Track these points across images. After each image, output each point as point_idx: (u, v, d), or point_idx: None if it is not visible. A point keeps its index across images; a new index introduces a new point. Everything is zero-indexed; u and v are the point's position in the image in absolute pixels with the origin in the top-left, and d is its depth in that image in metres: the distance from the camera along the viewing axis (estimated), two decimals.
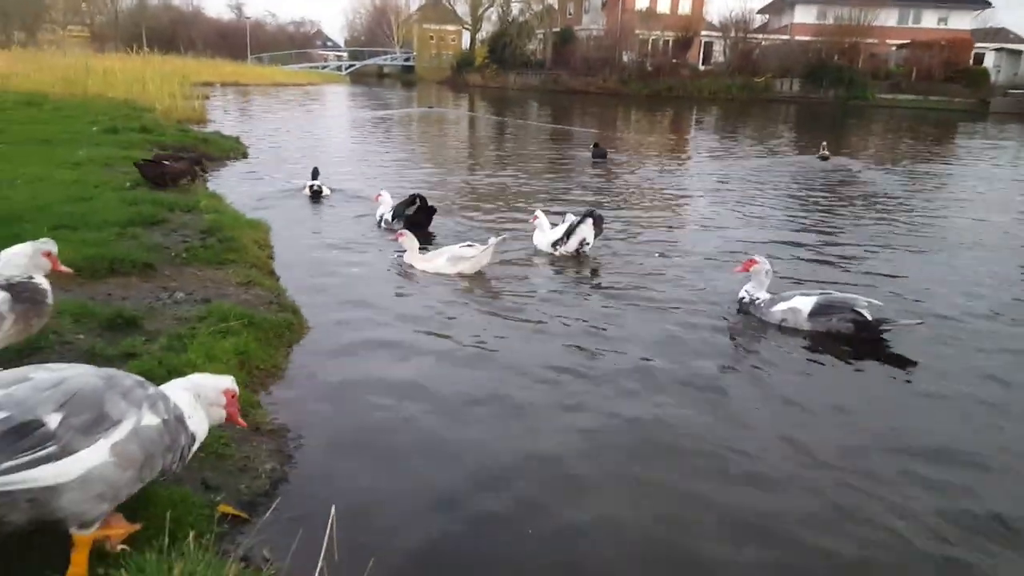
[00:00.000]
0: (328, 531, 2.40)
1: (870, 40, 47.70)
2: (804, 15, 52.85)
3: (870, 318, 4.96)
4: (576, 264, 7.03)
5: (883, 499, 3.27)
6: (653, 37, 52.53)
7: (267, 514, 2.70)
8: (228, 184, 10.32)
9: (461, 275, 6.30)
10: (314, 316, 5.08)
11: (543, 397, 4.14)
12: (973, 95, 44.45)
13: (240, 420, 2.64)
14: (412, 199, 8.09)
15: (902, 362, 4.80)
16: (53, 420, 1.98)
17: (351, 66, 66.82)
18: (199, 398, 2.46)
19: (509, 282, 6.38)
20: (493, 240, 6.33)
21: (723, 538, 2.99)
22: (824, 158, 16.19)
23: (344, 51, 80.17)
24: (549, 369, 4.49)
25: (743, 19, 52.95)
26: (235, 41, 65.90)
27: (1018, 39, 54.31)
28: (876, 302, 5.12)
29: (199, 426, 2.44)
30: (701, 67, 52.37)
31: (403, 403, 3.95)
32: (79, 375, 2.13)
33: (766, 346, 5.03)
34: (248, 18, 75.54)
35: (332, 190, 10.06)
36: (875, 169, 15.75)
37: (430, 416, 3.83)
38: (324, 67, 66.63)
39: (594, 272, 6.86)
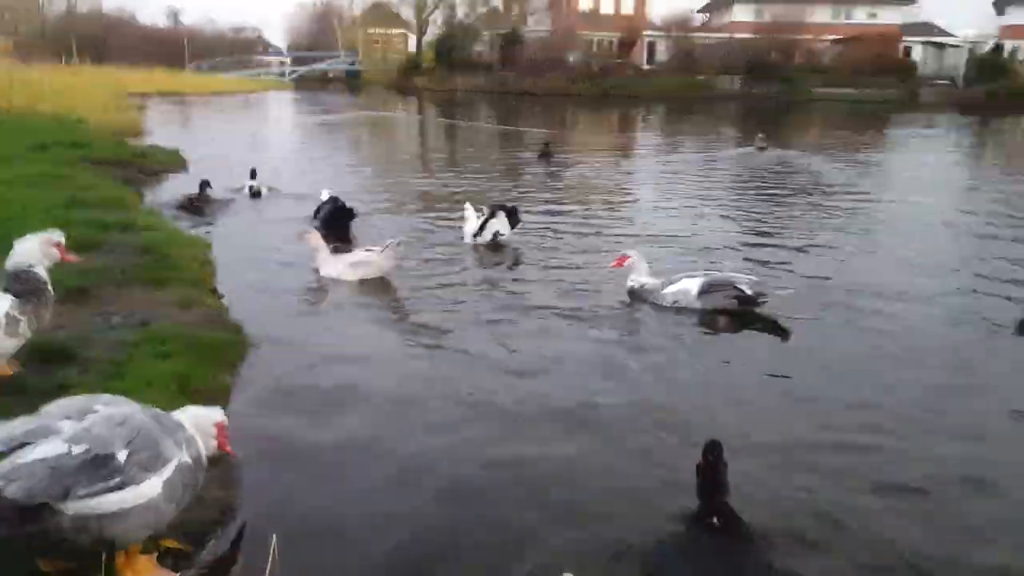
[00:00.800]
0: (270, 560, 2.37)
1: (806, 36, 49.01)
2: (743, 13, 54.01)
3: (750, 292, 5.47)
4: (499, 255, 7.47)
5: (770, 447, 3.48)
6: (598, 38, 53.08)
7: (210, 544, 2.64)
8: (168, 199, 10.07)
9: (364, 280, 6.32)
10: (258, 332, 4.99)
11: (486, 406, 4.14)
12: (903, 87, 46.05)
13: (230, 449, 2.82)
14: (330, 200, 8.37)
15: (777, 328, 5.45)
16: (122, 455, 2.28)
17: (295, 72, 65.82)
18: (198, 431, 2.68)
19: (429, 277, 6.62)
20: (391, 242, 6.32)
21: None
22: (762, 148, 17.17)
23: (287, 56, 78.86)
24: (489, 373, 4.56)
25: (684, 18, 53.84)
26: (172, 49, 64.15)
27: (942, 32, 56.48)
28: (754, 278, 5.70)
29: (204, 449, 2.70)
30: (646, 66, 53.07)
31: (350, 421, 3.90)
32: (136, 413, 2.44)
33: (664, 325, 5.43)
34: (185, 25, 73.86)
35: (270, 189, 10.55)
36: (808, 157, 16.63)
37: (378, 434, 3.79)
38: (267, 73, 65.49)
39: (513, 264, 7.20)
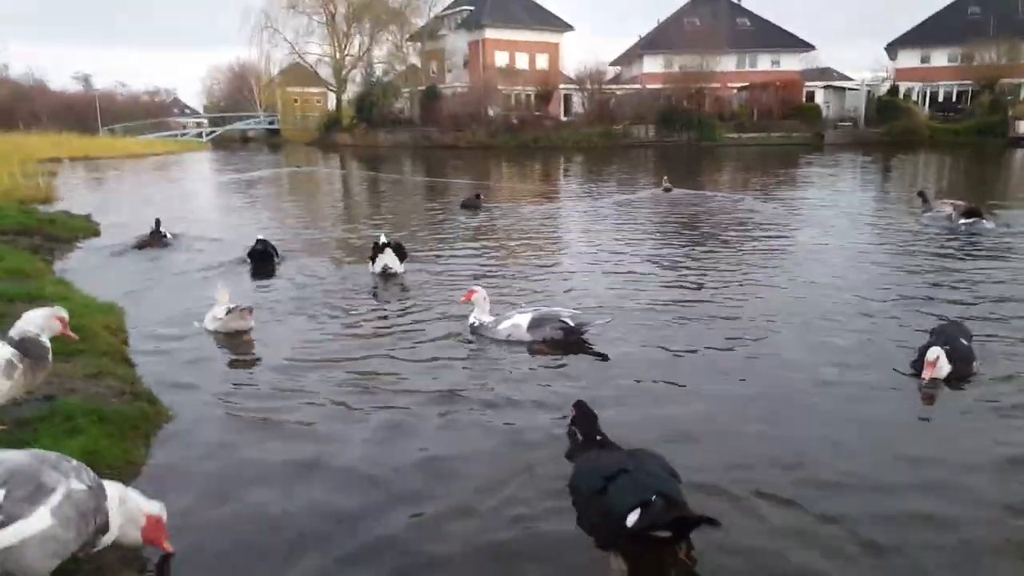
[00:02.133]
0: None
1: (713, 85, 51.36)
2: (652, 65, 56.42)
3: (573, 324, 6.02)
4: (390, 291, 8.20)
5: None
6: (516, 92, 54.36)
7: None
8: (78, 266, 9.68)
9: (231, 332, 6.33)
10: (174, 402, 4.79)
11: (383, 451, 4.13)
12: (809, 130, 48.64)
13: (167, 546, 2.91)
14: (258, 242, 9.42)
15: (599, 354, 5.93)
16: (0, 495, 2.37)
17: (212, 132, 64.91)
18: (123, 502, 2.76)
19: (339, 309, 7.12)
20: (240, 306, 6.37)
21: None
22: (667, 190, 18.25)
23: (204, 117, 77.84)
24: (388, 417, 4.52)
25: (598, 71, 55.77)
26: (84, 113, 62.48)
27: (841, 77, 60.36)
28: (578, 311, 6.27)
29: (114, 518, 2.73)
30: (563, 118, 54.56)
31: (271, 493, 3.74)
32: (11, 456, 2.54)
33: (499, 357, 5.84)
34: (97, 89, 72.08)
35: (174, 235, 11.31)
36: (708, 197, 17.80)
37: (300, 505, 3.63)
38: (183, 135, 64.32)
39: (402, 305, 7.54)
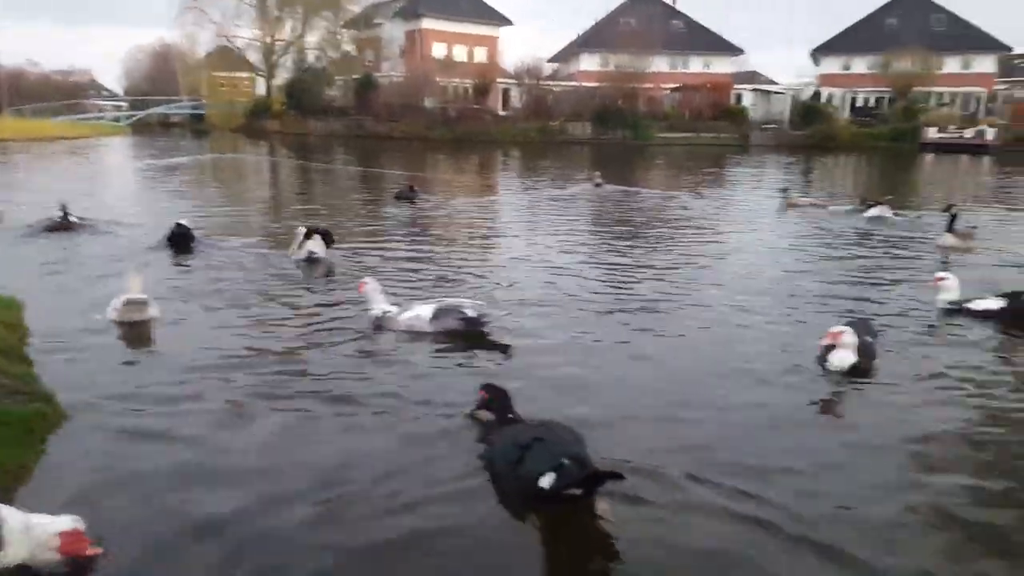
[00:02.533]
0: None
1: (647, 85, 52.17)
2: (589, 63, 56.89)
3: (474, 315, 6.02)
4: (310, 279, 8.11)
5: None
6: (453, 84, 53.92)
7: None
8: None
9: (133, 323, 6.05)
10: (73, 401, 4.42)
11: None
12: (737, 131, 49.96)
13: (91, 551, 2.80)
14: (176, 225, 9.29)
15: (499, 345, 5.91)
16: None
17: (132, 116, 62.04)
18: (28, 530, 2.66)
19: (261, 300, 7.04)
20: (130, 298, 6.04)
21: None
22: (598, 185, 18.61)
23: (124, 100, 74.40)
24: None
25: (536, 67, 55.88)
26: None
27: (768, 80, 62.26)
28: (480, 303, 6.22)
29: (18, 549, 2.65)
30: (501, 112, 54.42)
31: (160, 499, 3.47)
32: None
33: (403, 350, 5.76)
34: (3, 67, 67.91)
35: (81, 219, 10.64)
36: (637, 193, 18.30)
37: (188, 509, 3.38)
38: (100, 118, 61.29)
39: (319, 297, 7.39)
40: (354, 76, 54.83)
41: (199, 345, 5.66)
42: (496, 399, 4.19)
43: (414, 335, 5.99)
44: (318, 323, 6.42)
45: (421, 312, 6.07)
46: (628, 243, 11.06)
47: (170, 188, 18.56)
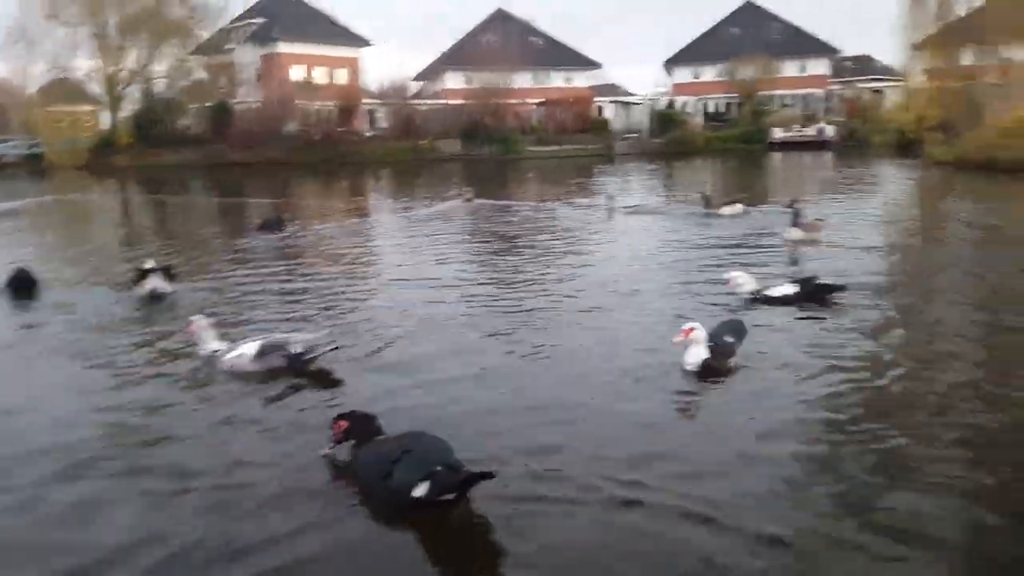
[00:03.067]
0: None
1: (512, 100, 52.95)
2: (454, 81, 57.12)
3: (299, 351, 5.83)
4: (154, 314, 7.87)
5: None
6: (316, 107, 52.60)
7: None
8: None
9: None
10: None
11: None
12: (601, 142, 51.65)
13: None
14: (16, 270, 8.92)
15: (328, 379, 5.73)
16: None
17: None
18: None
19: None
20: None
21: None
22: (468, 200, 18.89)
23: None
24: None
25: (400, 86, 55.47)
26: None
27: (626, 92, 64.92)
28: (309, 337, 6.02)
29: None
30: (368, 133, 53.61)
31: None
32: None
33: (231, 393, 5.50)
34: None
35: None
36: (508, 206, 18.73)
37: None
38: None
39: (154, 336, 7.11)
40: (208, 103, 52.42)
41: (22, 401, 5.25)
42: (358, 424, 4.01)
43: (240, 374, 5.74)
44: (150, 369, 6.08)
45: (245, 351, 5.82)
46: (499, 255, 11.20)
47: (3, 234, 16.88)
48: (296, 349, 5.79)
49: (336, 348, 5.96)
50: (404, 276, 9.71)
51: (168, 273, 8.74)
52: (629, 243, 12.11)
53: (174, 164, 47.67)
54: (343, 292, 8.83)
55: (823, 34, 61.29)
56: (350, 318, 7.48)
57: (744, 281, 7.35)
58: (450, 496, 3.41)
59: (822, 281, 7.44)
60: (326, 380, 5.67)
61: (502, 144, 49.60)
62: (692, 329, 5.40)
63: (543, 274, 9.51)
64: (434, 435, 3.72)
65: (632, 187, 24.85)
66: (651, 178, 29.86)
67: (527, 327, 6.87)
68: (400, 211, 19.05)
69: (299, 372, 5.74)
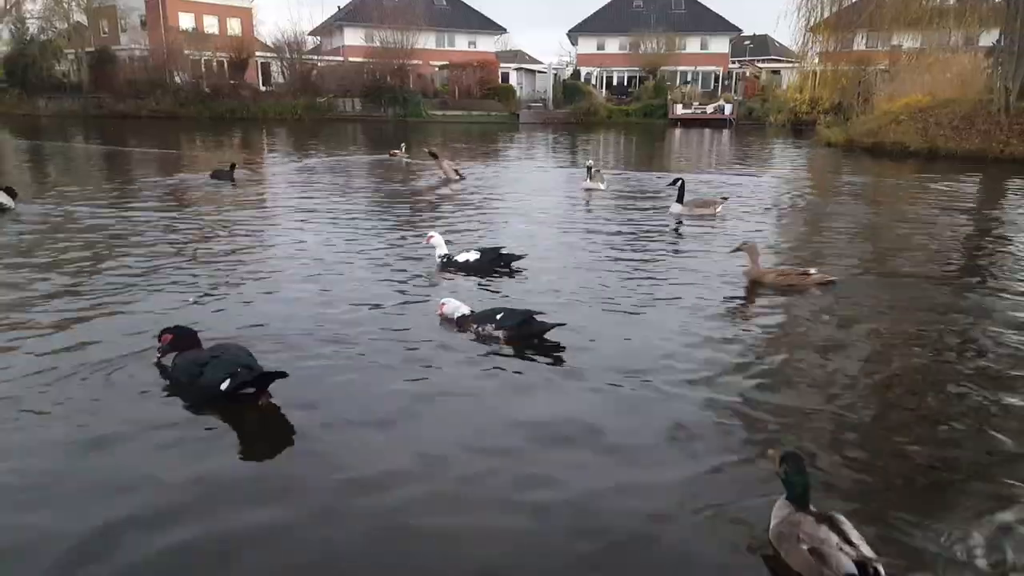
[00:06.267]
0: None
1: (415, 61, 51.88)
2: (353, 38, 55.29)
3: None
4: None
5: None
6: (205, 58, 49.81)
7: None
8: None
9: None
10: None
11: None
12: (506, 109, 51.56)
13: None
14: None
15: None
16: None
17: None
18: None
19: None
20: None
21: None
22: (393, 155, 19.18)
23: None
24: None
25: (297, 40, 53.26)
26: None
27: (532, 60, 64.86)
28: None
29: None
30: (262, 88, 51.31)
31: None
32: None
33: None
34: None
35: None
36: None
37: None
38: None
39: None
40: (88, 49, 48.71)
41: None
42: (182, 338, 4.73)
43: None
44: None
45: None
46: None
47: None
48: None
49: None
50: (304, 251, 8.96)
51: (10, 191, 10.39)
52: (545, 208, 12.27)
53: (49, 113, 44.24)
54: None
55: (725, 12, 63.02)
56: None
57: (437, 244, 7.85)
58: (250, 390, 4.25)
59: (505, 251, 7.77)
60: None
61: (404, 106, 48.68)
62: (443, 304, 5.86)
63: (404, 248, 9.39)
64: (238, 344, 4.61)
65: (541, 156, 25.02)
66: (558, 148, 30.08)
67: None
68: (302, 170, 18.37)
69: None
